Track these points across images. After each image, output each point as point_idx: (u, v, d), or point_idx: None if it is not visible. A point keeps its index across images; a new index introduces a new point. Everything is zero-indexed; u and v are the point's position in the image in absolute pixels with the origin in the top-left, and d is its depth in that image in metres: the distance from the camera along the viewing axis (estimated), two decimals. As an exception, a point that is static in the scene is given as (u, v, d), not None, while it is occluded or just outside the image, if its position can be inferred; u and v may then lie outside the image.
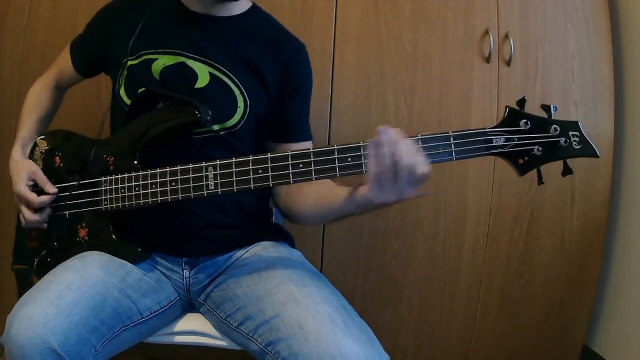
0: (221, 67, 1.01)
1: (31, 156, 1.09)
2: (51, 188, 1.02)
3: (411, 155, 0.73)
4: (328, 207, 0.91)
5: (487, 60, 1.51)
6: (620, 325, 1.54)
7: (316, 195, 0.94)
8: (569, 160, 0.77)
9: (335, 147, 0.78)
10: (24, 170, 1.03)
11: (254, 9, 1.10)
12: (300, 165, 0.81)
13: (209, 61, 1.01)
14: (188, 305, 1.07)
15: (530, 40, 1.52)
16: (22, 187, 1.01)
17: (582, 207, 1.55)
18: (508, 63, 1.51)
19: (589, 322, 1.60)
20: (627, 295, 1.52)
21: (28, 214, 1.01)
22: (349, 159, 0.78)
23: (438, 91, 1.52)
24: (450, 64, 1.52)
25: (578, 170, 1.54)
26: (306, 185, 0.97)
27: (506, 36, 1.50)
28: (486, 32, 1.50)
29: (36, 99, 1.15)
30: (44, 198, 1.01)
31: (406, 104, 1.52)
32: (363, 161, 0.78)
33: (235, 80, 1.01)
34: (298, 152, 0.81)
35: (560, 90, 1.53)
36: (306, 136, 1.10)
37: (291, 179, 0.82)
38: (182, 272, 1.03)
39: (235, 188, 0.85)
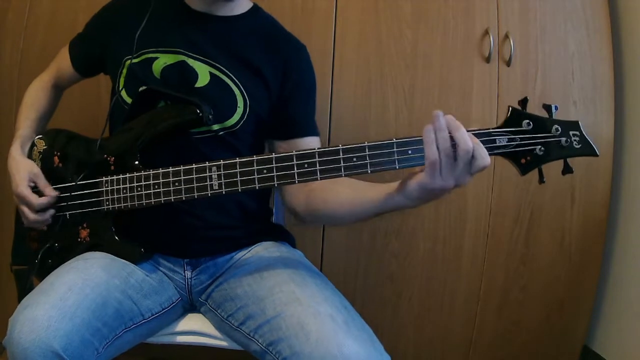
0: (221, 67, 1.01)
1: (29, 156, 1.08)
2: (52, 192, 1.01)
3: (469, 141, 0.72)
4: (366, 204, 0.86)
5: (487, 60, 1.51)
6: (620, 325, 1.54)
7: (351, 193, 0.90)
8: (569, 159, 0.78)
9: (340, 147, 0.78)
10: (25, 170, 1.02)
11: (256, 9, 1.10)
12: (306, 165, 0.81)
13: (209, 61, 1.01)
14: (189, 305, 1.07)
15: (530, 40, 1.52)
16: (23, 189, 1.00)
17: (582, 207, 1.55)
18: (508, 63, 1.51)
19: (589, 322, 1.60)
20: (627, 295, 1.52)
21: (30, 214, 1.01)
22: (354, 159, 0.78)
23: (438, 91, 1.52)
24: (450, 64, 1.52)
25: (578, 170, 1.54)
26: (337, 184, 0.93)
27: (506, 36, 1.50)
28: (486, 32, 1.50)
29: (34, 98, 1.15)
30: (45, 200, 1.00)
31: (406, 104, 1.52)
32: (368, 161, 0.78)
33: (236, 80, 1.01)
34: (303, 151, 0.81)
35: (560, 90, 1.53)
36: (313, 132, 1.08)
37: (296, 179, 0.81)
38: (184, 272, 1.03)
39: (239, 188, 0.84)
